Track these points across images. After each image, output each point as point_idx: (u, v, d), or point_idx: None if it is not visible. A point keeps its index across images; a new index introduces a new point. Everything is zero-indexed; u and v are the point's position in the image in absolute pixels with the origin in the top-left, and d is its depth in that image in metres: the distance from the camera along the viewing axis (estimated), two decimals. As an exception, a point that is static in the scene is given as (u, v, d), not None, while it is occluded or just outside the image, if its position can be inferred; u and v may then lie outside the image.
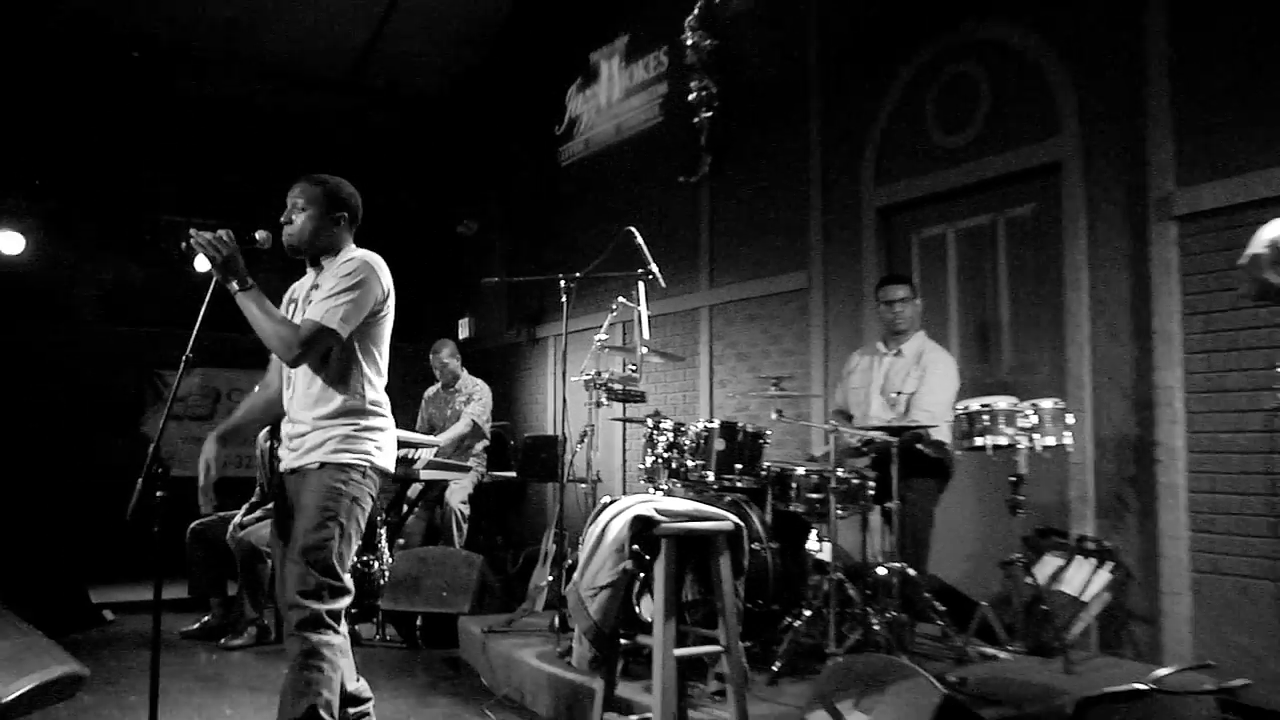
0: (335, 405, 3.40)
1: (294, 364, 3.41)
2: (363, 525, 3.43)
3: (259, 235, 3.48)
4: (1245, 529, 4.38)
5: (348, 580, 3.38)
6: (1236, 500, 4.42)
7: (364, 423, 3.42)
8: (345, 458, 3.36)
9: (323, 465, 3.37)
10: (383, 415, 3.51)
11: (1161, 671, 3.95)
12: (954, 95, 5.83)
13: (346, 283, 3.37)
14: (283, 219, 3.50)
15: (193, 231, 3.32)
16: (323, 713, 3.22)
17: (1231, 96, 4.52)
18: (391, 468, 3.56)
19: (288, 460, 3.48)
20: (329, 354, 3.40)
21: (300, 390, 3.48)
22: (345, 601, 3.36)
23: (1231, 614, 4.42)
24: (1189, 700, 4.02)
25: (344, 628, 3.60)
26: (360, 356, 3.44)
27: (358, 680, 3.60)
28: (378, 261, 3.49)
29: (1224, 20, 4.55)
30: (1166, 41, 4.77)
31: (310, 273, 3.56)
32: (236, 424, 3.65)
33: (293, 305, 3.57)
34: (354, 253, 3.51)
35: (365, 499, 3.41)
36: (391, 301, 3.54)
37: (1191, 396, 4.62)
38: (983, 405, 4.49)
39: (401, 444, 6.65)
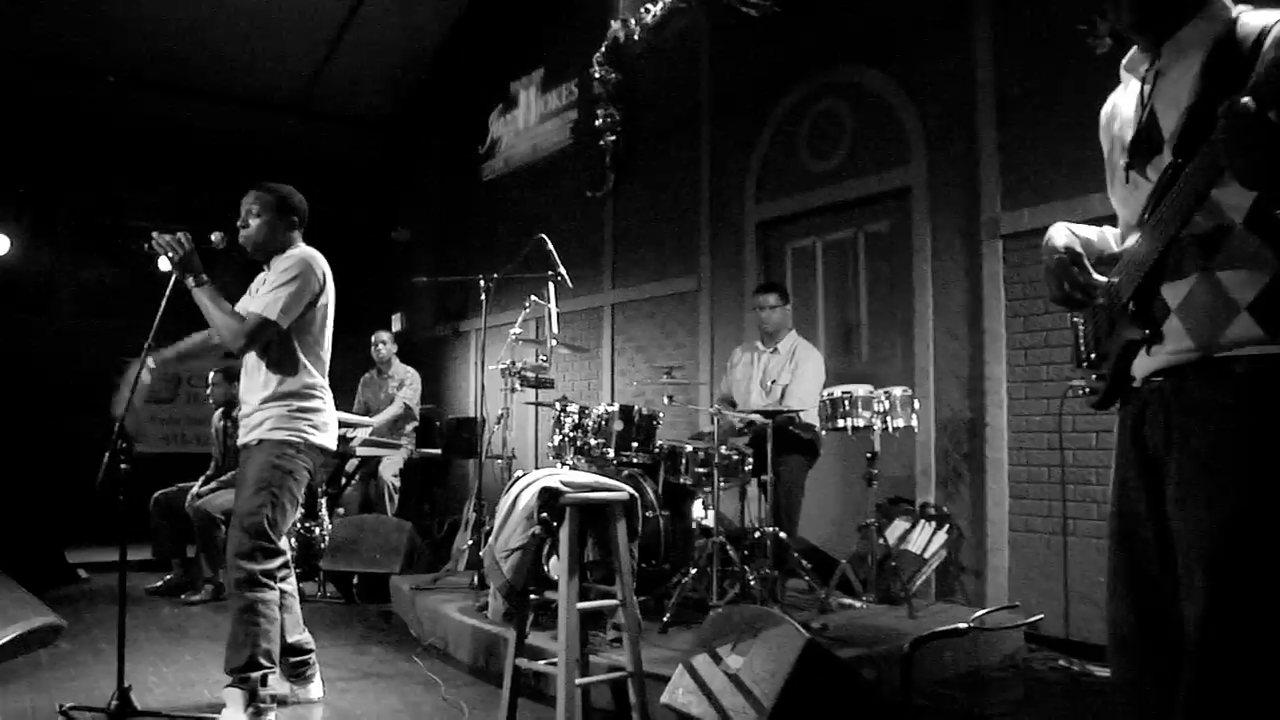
0: (274, 389, 3.37)
1: (240, 353, 3.38)
2: (297, 495, 3.39)
3: (214, 237, 3.47)
4: (1051, 495, 4.54)
5: (282, 543, 3.37)
6: (1044, 471, 4.59)
7: (299, 404, 3.38)
8: (281, 434, 3.34)
9: (261, 442, 3.35)
10: (319, 398, 3.46)
11: (979, 613, 4.09)
12: (822, 127, 5.91)
13: (285, 277, 3.34)
14: (239, 224, 3.47)
15: (154, 234, 3.29)
16: (261, 660, 3.22)
17: (1044, 140, 4.68)
18: (330, 445, 3.51)
19: (240, 438, 3.48)
20: (271, 344, 3.36)
21: (250, 376, 3.47)
22: (278, 562, 3.33)
23: (1039, 565, 4.58)
24: (999, 634, 4.22)
25: (291, 584, 3.58)
26: (298, 345, 3.40)
27: (302, 632, 3.60)
28: (315, 258, 3.45)
29: (1037, 80, 4.70)
30: (993, 92, 4.92)
31: (264, 271, 3.52)
32: (173, 353, 3.48)
33: (249, 299, 3.53)
34: (294, 251, 3.46)
35: (300, 472, 3.37)
36: (329, 295, 3.48)
37: (1013, 385, 4.77)
38: (844, 392, 4.55)
39: (341, 424, 6.57)
